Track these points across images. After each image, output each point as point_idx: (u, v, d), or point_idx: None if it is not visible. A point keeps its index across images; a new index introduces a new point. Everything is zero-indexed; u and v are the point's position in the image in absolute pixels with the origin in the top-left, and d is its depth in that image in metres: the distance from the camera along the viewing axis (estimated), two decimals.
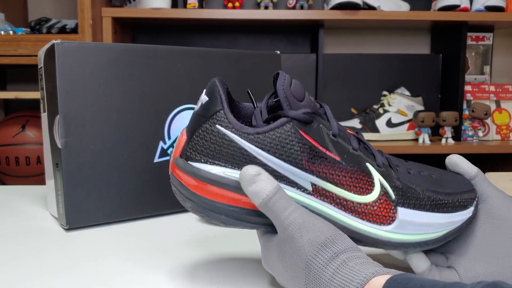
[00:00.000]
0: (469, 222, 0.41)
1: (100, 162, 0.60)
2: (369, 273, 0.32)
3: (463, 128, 1.74)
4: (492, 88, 1.83)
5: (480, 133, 1.76)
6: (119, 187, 0.61)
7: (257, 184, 0.37)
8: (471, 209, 0.41)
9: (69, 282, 0.44)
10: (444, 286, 0.29)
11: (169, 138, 0.65)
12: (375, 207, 0.39)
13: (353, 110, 1.85)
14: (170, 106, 0.64)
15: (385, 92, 1.79)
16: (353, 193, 0.39)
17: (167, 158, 0.65)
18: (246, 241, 0.56)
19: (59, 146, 0.58)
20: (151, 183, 0.64)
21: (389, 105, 1.75)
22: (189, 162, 0.40)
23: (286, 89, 0.38)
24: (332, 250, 0.34)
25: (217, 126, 0.38)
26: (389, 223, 0.39)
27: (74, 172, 0.58)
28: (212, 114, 0.39)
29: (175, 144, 0.42)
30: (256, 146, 0.38)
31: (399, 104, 1.75)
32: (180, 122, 0.65)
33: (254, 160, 0.38)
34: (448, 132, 1.68)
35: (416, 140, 1.72)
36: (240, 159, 0.38)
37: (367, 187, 0.39)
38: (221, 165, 0.38)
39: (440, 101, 1.88)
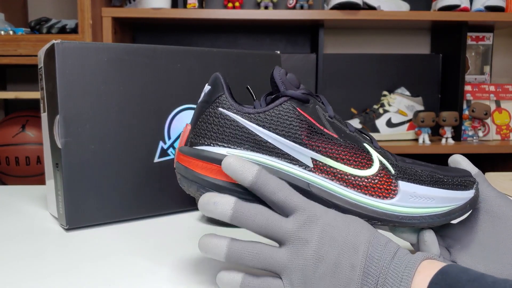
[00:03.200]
0: (473, 203, 0.42)
1: (100, 162, 0.60)
2: (419, 257, 0.34)
3: (463, 128, 1.74)
4: (492, 88, 1.83)
5: (480, 133, 1.76)
6: (119, 187, 0.61)
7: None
8: (473, 190, 0.42)
9: (69, 282, 0.44)
10: (494, 283, 0.30)
11: (169, 138, 0.65)
12: (376, 180, 0.40)
13: (353, 110, 1.85)
14: (170, 106, 0.64)
15: (385, 92, 1.79)
16: (353, 167, 0.40)
17: (167, 158, 0.65)
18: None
19: (59, 146, 0.58)
20: (151, 183, 0.64)
21: (389, 105, 1.75)
22: (193, 147, 0.42)
23: (282, 77, 0.41)
24: (389, 247, 0.36)
25: (220, 108, 0.41)
26: (392, 197, 0.40)
27: (74, 172, 0.58)
28: (215, 99, 0.41)
29: (180, 137, 0.43)
30: (257, 124, 0.40)
31: (399, 104, 1.75)
32: (180, 122, 0.65)
33: (256, 138, 0.40)
34: (448, 132, 1.68)
35: (416, 140, 1.72)
36: (243, 138, 0.40)
37: (367, 162, 0.41)
38: (224, 146, 0.40)
39: (440, 101, 1.88)
